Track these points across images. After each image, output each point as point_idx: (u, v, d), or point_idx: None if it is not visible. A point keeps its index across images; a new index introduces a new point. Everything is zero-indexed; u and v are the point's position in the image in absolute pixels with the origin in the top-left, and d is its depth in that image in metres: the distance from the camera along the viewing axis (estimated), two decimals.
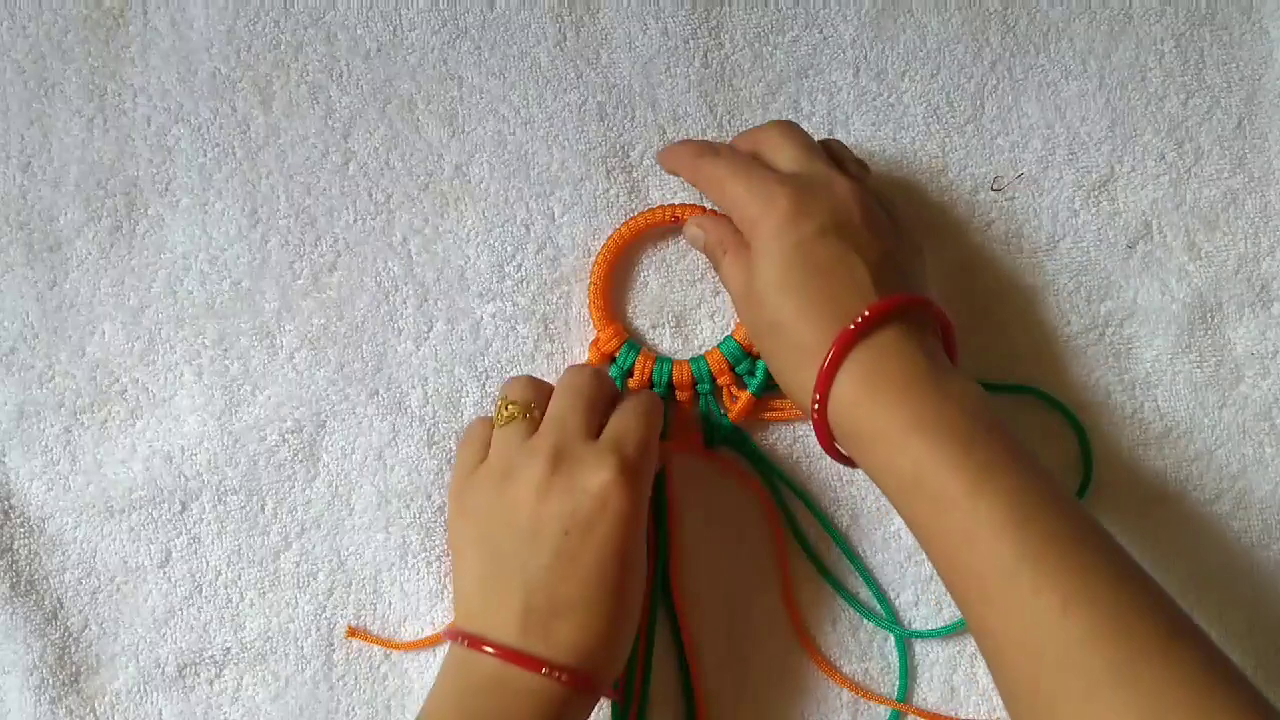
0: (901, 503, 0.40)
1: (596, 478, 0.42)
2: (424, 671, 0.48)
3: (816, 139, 0.47)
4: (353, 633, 0.48)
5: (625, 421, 0.44)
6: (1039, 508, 0.38)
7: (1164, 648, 0.35)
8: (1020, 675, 0.37)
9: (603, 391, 0.45)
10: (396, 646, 0.48)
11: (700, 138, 0.52)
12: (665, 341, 0.51)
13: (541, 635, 0.41)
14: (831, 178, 0.44)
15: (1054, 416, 0.52)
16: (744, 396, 0.49)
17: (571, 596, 0.41)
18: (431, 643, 0.48)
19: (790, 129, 0.47)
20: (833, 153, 0.47)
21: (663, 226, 0.50)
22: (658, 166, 0.51)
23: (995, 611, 0.38)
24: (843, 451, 0.43)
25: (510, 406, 0.45)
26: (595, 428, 0.44)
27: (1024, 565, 0.37)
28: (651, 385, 0.49)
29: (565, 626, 0.41)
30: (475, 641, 0.41)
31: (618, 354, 0.50)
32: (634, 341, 0.50)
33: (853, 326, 0.40)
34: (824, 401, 0.41)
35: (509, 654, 0.41)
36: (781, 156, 0.45)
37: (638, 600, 0.44)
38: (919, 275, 0.46)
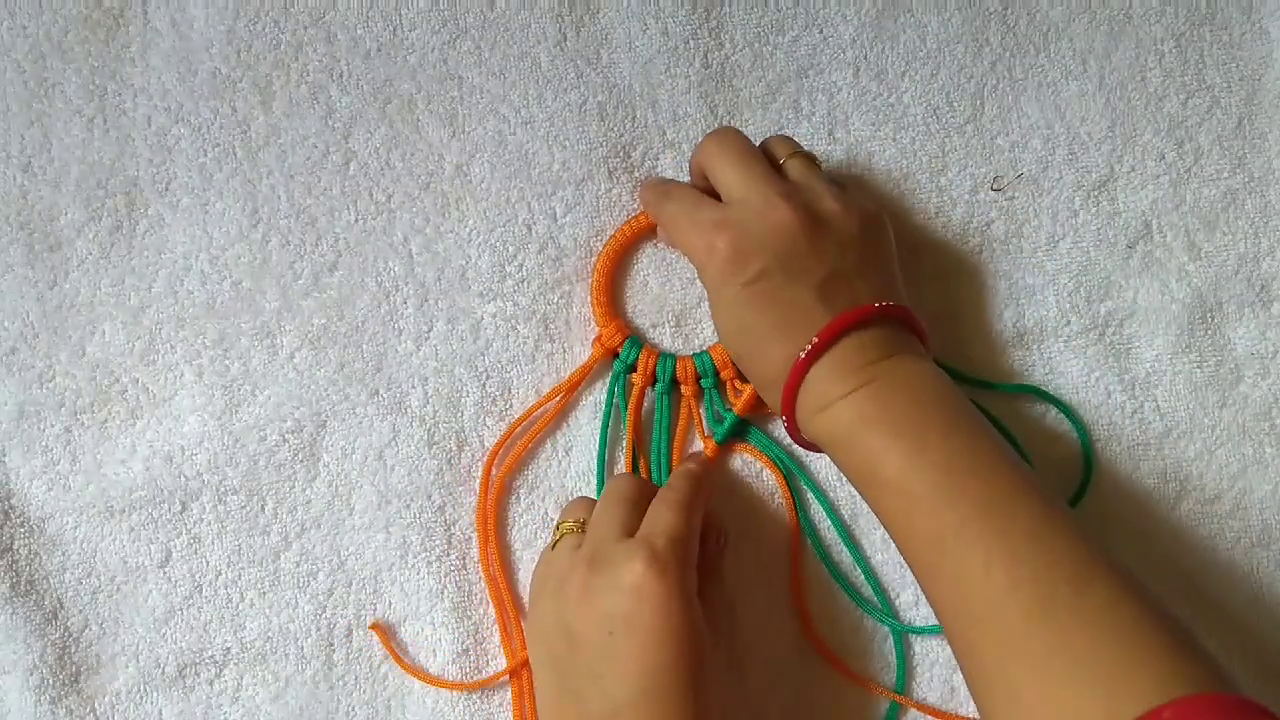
0: (866, 497, 0.43)
1: (628, 574, 0.41)
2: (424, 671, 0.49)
3: (786, 136, 0.48)
4: (375, 627, 0.48)
5: (657, 511, 0.43)
6: (965, 476, 0.40)
7: (1076, 591, 0.37)
8: (958, 636, 0.39)
9: (642, 492, 0.45)
10: (420, 676, 0.48)
11: (660, 177, 0.52)
12: (666, 340, 0.51)
13: None
14: (770, 203, 0.44)
15: (1054, 416, 0.52)
16: (747, 390, 0.49)
17: (626, 698, 0.40)
18: (443, 685, 0.48)
19: (724, 146, 0.46)
20: (772, 156, 0.47)
21: None
22: (659, 167, 0.52)
23: (936, 582, 0.40)
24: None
25: (562, 525, 0.45)
26: (633, 527, 0.43)
27: (948, 534, 0.39)
28: (655, 380, 0.50)
29: None
30: None
31: (620, 349, 0.50)
32: (636, 337, 0.50)
33: (802, 356, 0.43)
34: (791, 420, 0.44)
35: None
36: (722, 180, 0.46)
37: (708, 699, 0.41)
38: (876, 270, 0.45)
